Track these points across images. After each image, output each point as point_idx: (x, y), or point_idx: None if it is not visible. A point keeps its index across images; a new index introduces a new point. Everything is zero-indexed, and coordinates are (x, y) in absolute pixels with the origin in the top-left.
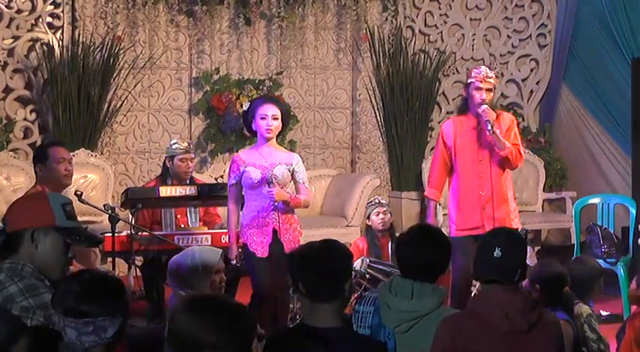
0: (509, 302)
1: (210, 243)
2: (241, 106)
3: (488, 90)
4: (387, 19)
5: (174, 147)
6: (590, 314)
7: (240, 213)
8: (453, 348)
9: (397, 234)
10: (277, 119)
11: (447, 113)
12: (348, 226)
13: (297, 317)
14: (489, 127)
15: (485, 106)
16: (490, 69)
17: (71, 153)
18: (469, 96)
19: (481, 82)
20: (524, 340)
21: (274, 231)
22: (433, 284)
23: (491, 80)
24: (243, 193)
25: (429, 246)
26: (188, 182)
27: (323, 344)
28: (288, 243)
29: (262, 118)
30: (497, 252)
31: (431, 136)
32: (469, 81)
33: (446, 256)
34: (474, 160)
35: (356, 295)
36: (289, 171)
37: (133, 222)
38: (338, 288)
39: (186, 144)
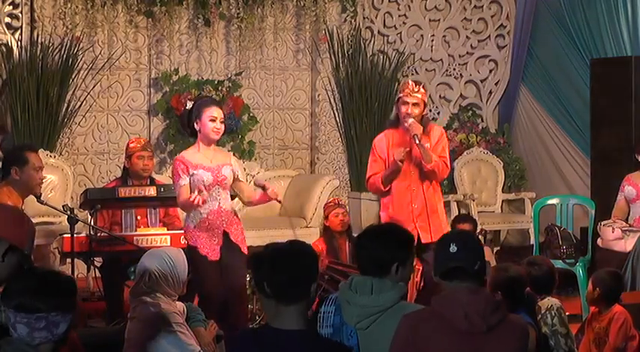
0: (470, 302)
1: (169, 244)
2: None
3: (415, 104)
4: (346, 20)
5: (131, 145)
6: (560, 306)
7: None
8: (411, 346)
9: (355, 235)
10: (223, 122)
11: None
12: (307, 227)
13: (257, 317)
14: (416, 141)
15: (412, 120)
16: (417, 83)
17: None
18: (398, 110)
19: (407, 96)
20: (482, 341)
21: (225, 234)
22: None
23: (418, 95)
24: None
25: (388, 240)
26: (148, 182)
27: (289, 347)
28: (242, 244)
29: (212, 120)
30: (452, 247)
31: None
32: (398, 96)
33: (409, 250)
34: (406, 173)
35: (317, 297)
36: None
37: (92, 223)
38: (305, 289)
39: (143, 142)
